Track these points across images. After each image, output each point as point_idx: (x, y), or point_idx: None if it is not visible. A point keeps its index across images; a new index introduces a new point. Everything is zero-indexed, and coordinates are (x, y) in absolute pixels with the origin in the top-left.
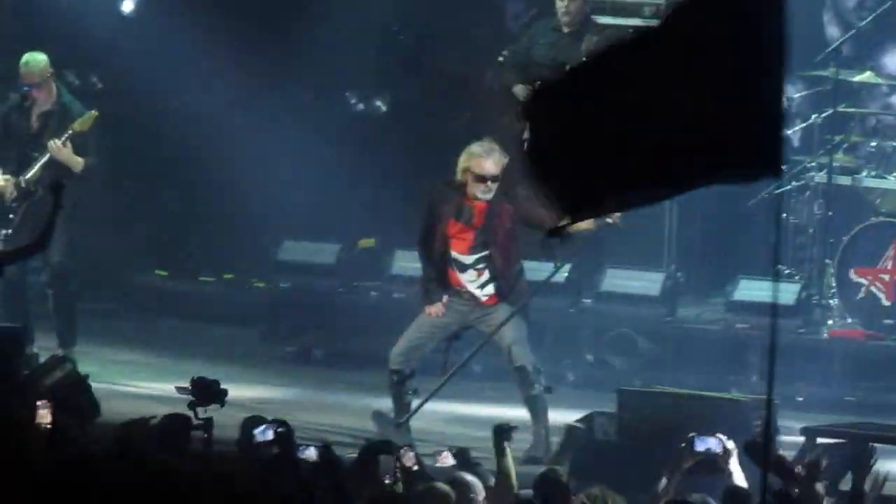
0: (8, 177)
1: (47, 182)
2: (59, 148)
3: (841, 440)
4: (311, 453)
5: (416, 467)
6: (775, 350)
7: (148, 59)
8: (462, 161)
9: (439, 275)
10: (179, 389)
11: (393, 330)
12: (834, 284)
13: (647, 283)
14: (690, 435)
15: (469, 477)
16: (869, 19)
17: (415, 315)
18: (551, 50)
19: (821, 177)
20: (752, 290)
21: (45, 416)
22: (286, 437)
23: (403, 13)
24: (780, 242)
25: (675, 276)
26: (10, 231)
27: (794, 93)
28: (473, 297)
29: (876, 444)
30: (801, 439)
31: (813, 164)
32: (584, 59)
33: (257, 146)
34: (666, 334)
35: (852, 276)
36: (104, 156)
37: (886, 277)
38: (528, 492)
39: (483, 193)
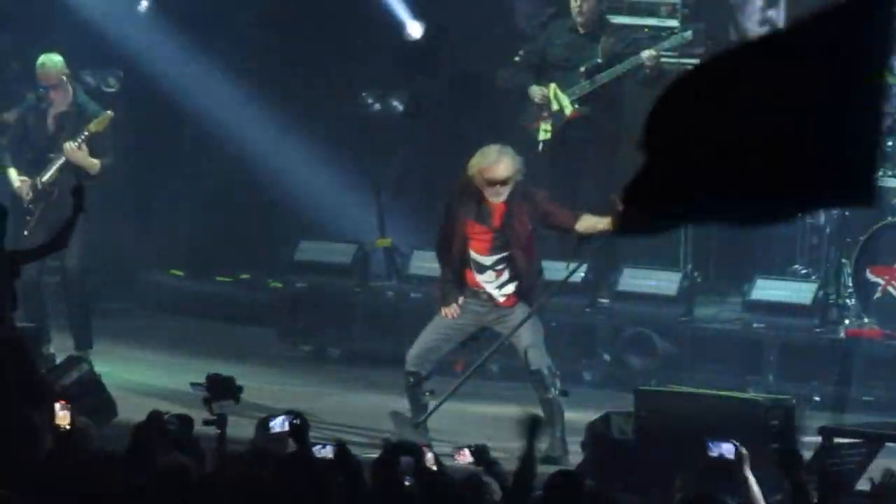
0: (25, 178)
1: (64, 183)
2: (74, 150)
3: (857, 440)
4: (327, 452)
5: (435, 468)
6: None
7: (165, 60)
8: (474, 164)
9: (457, 276)
10: (194, 385)
11: (409, 330)
12: (850, 284)
13: (664, 282)
14: (704, 439)
15: (485, 478)
16: None
17: (431, 315)
18: (567, 50)
19: None
20: (769, 289)
21: (64, 417)
22: (301, 430)
23: (420, 13)
24: (797, 242)
25: (692, 276)
26: (27, 232)
27: None
28: (491, 298)
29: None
30: (818, 439)
31: None
32: (598, 59)
33: (274, 146)
34: (683, 334)
35: (869, 275)
36: (120, 156)
37: None
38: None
39: (493, 196)
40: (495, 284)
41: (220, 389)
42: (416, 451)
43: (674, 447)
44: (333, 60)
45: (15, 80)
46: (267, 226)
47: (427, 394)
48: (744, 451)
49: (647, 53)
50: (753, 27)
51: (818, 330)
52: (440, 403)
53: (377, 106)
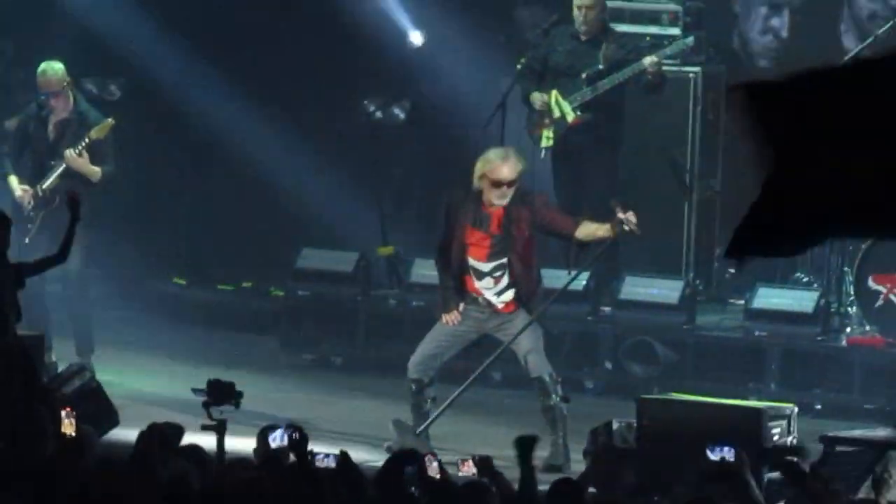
0: (26, 186)
1: (65, 190)
2: (74, 158)
3: (859, 448)
4: (329, 462)
5: (438, 476)
6: None
7: (169, 67)
8: (479, 167)
9: (457, 282)
10: (196, 391)
11: (412, 337)
12: (852, 292)
13: (665, 290)
14: (705, 441)
15: (485, 481)
16: (886, 27)
17: (434, 323)
18: (569, 57)
19: None
20: (771, 297)
21: (69, 424)
22: (301, 443)
23: (421, 21)
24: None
25: (693, 284)
26: (28, 240)
27: None
28: (490, 305)
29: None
30: (820, 447)
31: None
32: (600, 66)
33: (276, 154)
34: (685, 342)
35: (871, 283)
36: (122, 164)
37: None
38: None
39: (499, 199)
40: (494, 291)
41: (221, 394)
42: (420, 460)
43: (676, 455)
44: (336, 68)
45: (17, 87)
46: (269, 234)
47: (429, 401)
48: (744, 455)
49: (648, 60)
50: (756, 35)
51: (820, 338)
52: (441, 411)
53: (379, 114)
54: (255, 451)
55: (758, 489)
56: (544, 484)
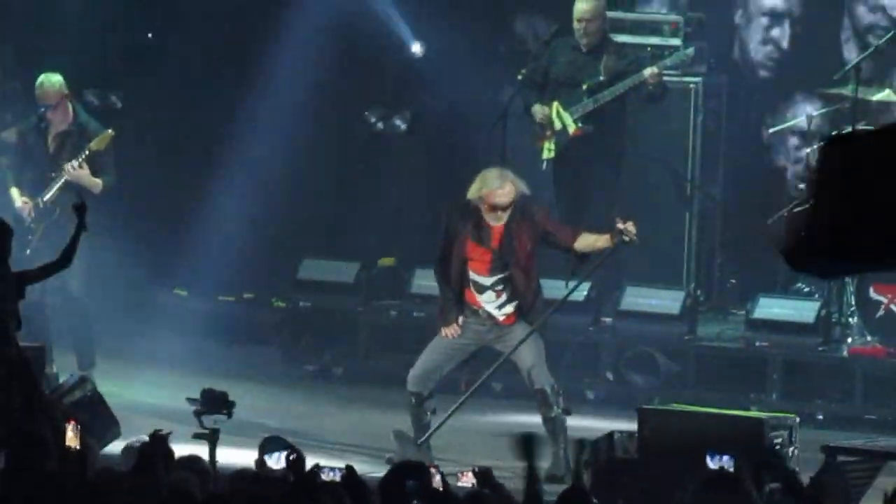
0: (26, 198)
1: (66, 202)
2: (75, 169)
3: (861, 458)
4: (335, 476)
5: (441, 488)
6: None
7: (168, 78)
8: (476, 188)
9: (457, 296)
10: (190, 400)
11: (413, 348)
12: (854, 302)
13: (666, 301)
14: (706, 452)
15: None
16: (887, 37)
17: (435, 334)
18: (570, 68)
19: None
20: (772, 307)
21: (73, 438)
22: (298, 464)
23: (422, 32)
24: None
25: (694, 294)
26: (29, 251)
27: (813, 111)
28: (491, 317)
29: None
30: (821, 457)
31: None
32: (601, 77)
33: (277, 165)
34: (686, 352)
35: (872, 293)
36: (122, 175)
37: None
38: None
39: (495, 221)
40: (495, 304)
41: (214, 403)
42: (422, 472)
43: (677, 465)
44: (337, 79)
45: (15, 97)
46: (270, 245)
47: (429, 413)
48: (744, 463)
49: (649, 71)
50: (757, 45)
51: (821, 348)
52: (442, 423)
53: (380, 125)
54: (257, 462)
55: (759, 499)
56: (548, 496)
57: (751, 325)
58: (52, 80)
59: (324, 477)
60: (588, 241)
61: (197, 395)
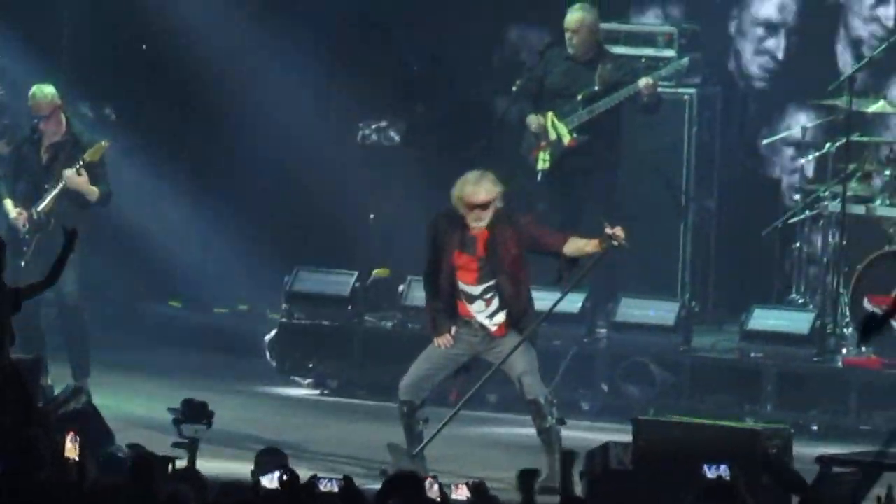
0: (20, 210)
1: (61, 213)
2: (74, 176)
3: (855, 469)
4: (332, 487)
5: (439, 499)
6: None
7: (162, 90)
8: (456, 189)
9: (448, 306)
10: (170, 410)
11: (408, 360)
12: (848, 313)
13: (661, 312)
14: (701, 462)
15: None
16: (881, 48)
17: (429, 344)
18: (564, 79)
19: (834, 206)
20: (767, 319)
21: (72, 449)
22: (292, 484)
23: (417, 42)
24: (794, 271)
25: (689, 306)
26: (24, 263)
27: (807, 122)
28: (483, 328)
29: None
30: (816, 468)
31: (827, 193)
32: (596, 87)
33: (270, 177)
34: (681, 363)
35: (866, 304)
36: (117, 186)
37: None
38: None
39: (475, 221)
40: (486, 314)
41: (193, 413)
42: (414, 485)
43: (672, 476)
44: (331, 90)
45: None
46: (265, 257)
47: (421, 423)
48: (739, 473)
49: (643, 82)
50: (751, 56)
51: (816, 359)
52: (435, 434)
53: (374, 136)
54: (253, 473)
55: None
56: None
57: (745, 336)
58: (44, 92)
59: (321, 488)
60: (577, 246)
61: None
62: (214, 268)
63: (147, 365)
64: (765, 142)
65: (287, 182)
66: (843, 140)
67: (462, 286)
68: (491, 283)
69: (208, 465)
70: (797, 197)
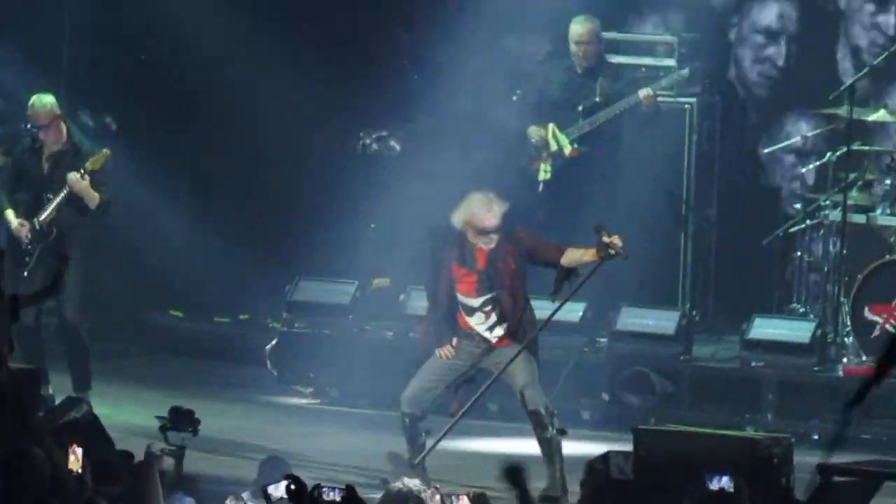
0: (22, 220)
1: (62, 222)
2: (78, 180)
3: (856, 478)
4: (335, 496)
5: None
6: None
7: (161, 99)
8: (462, 213)
9: (448, 319)
10: (158, 418)
11: (408, 369)
12: (849, 322)
13: (662, 321)
14: (702, 472)
15: None
16: (882, 57)
17: (430, 355)
18: (565, 90)
19: (835, 214)
20: (767, 328)
21: (75, 461)
22: (299, 494)
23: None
24: (795, 280)
25: (690, 315)
26: (26, 273)
27: (808, 130)
28: (485, 340)
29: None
30: (817, 477)
31: (827, 201)
32: (597, 98)
33: (271, 186)
34: (681, 372)
35: (867, 313)
36: (118, 195)
37: None
38: None
39: (486, 244)
40: (486, 326)
41: (180, 420)
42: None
43: (673, 486)
44: (330, 100)
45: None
46: (266, 266)
47: (423, 434)
48: (742, 483)
49: (643, 92)
50: (751, 65)
51: (816, 368)
52: (436, 443)
53: (375, 146)
54: (256, 481)
55: None
56: None
57: (746, 346)
58: (43, 101)
59: (325, 497)
60: (574, 256)
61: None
62: (215, 277)
63: (147, 374)
64: (765, 151)
65: (288, 191)
66: (844, 149)
67: (462, 298)
68: (490, 295)
69: (208, 474)
70: (798, 206)
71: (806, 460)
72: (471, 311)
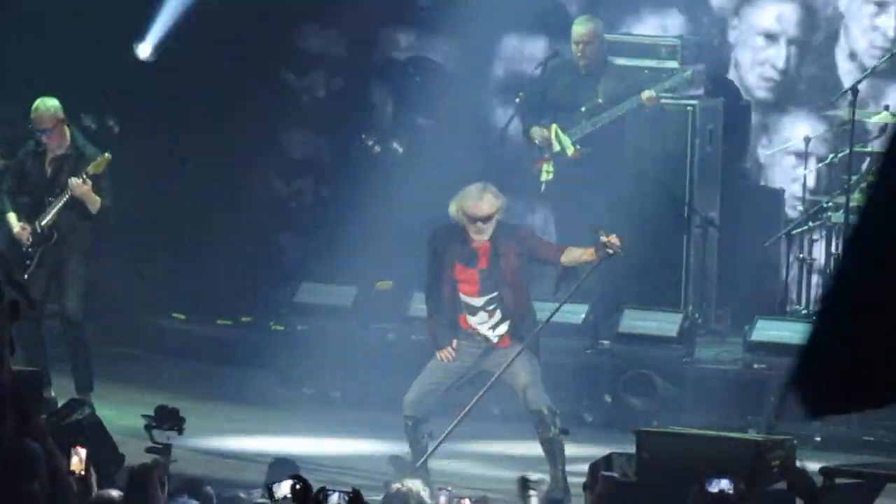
0: (24, 223)
1: (63, 226)
2: (80, 185)
3: (859, 480)
4: (337, 499)
5: None
6: None
7: (165, 103)
8: (457, 202)
9: (451, 319)
10: (144, 416)
11: (411, 372)
12: None
13: (665, 323)
14: (703, 475)
15: None
16: (884, 59)
17: (432, 357)
18: (568, 91)
19: (837, 216)
20: (770, 330)
21: (78, 464)
22: (304, 494)
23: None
24: (797, 282)
25: (692, 317)
26: (27, 276)
27: (810, 132)
28: (486, 340)
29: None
30: (820, 479)
31: (829, 203)
32: (599, 100)
33: (274, 188)
34: (684, 375)
35: None
36: (120, 199)
37: None
38: None
39: (476, 234)
40: (488, 325)
41: (165, 419)
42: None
43: (675, 488)
44: (332, 103)
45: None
46: (268, 268)
47: (426, 436)
48: (742, 486)
49: (646, 94)
50: (753, 66)
51: None
52: (438, 445)
53: (377, 148)
54: (266, 484)
55: None
56: None
57: (749, 348)
58: (47, 105)
59: (330, 501)
60: (574, 256)
61: (199, 423)
62: (217, 279)
63: (150, 377)
64: (767, 152)
65: (290, 193)
66: (846, 150)
67: (464, 298)
68: (493, 295)
69: (212, 477)
70: (800, 208)
71: (808, 463)
72: (474, 310)
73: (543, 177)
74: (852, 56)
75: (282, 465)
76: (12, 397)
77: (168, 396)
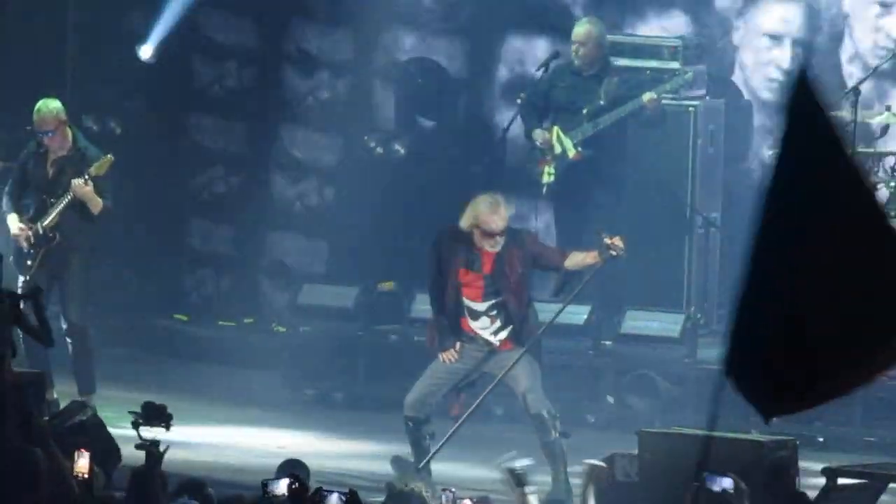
0: (24, 225)
1: (65, 227)
2: (82, 185)
3: (862, 480)
4: (335, 499)
5: None
6: None
7: (166, 103)
8: (469, 216)
9: (453, 322)
10: (131, 413)
11: (413, 373)
12: None
13: (667, 324)
14: (704, 474)
15: None
16: (888, 59)
17: (434, 358)
18: (570, 93)
19: None
20: None
21: (82, 466)
22: (300, 493)
23: (421, 56)
24: None
25: (694, 318)
26: (28, 277)
27: None
28: (488, 343)
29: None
30: (822, 480)
31: None
32: (601, 101)
33: (275, 190)
34: (686, 375)
35: None
36: (122, 200)
37: None
38: None
39: (492, 247)
40: (491, 330)
41: (151, 415)
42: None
43: (678, 488)
44: (335, 103)
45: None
46: (270, 270)
47: (428, 437)
48: (743, 485)
49: (647, 96)
50: (756, 67)
51: None
52: (440, 447)
53: (379, 149)
54: (262, 481)
55: None
56: None
57: None
58: (49, 107)
59: (326, 500)
60: (577, 260)
61: (201, 426)
62: (220, 281)
63: (152, 378)
64: (769, 153)
65: (294, 194)
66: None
67: (467, 303)
68: (496, 300)
69: (213, 478)
70: None
71: (811, 463)
72: (476, 315)
73: (545, 178)
74: (857, 57)
75: (292, 467)
76: (14, 399)
77: (169, 397)
